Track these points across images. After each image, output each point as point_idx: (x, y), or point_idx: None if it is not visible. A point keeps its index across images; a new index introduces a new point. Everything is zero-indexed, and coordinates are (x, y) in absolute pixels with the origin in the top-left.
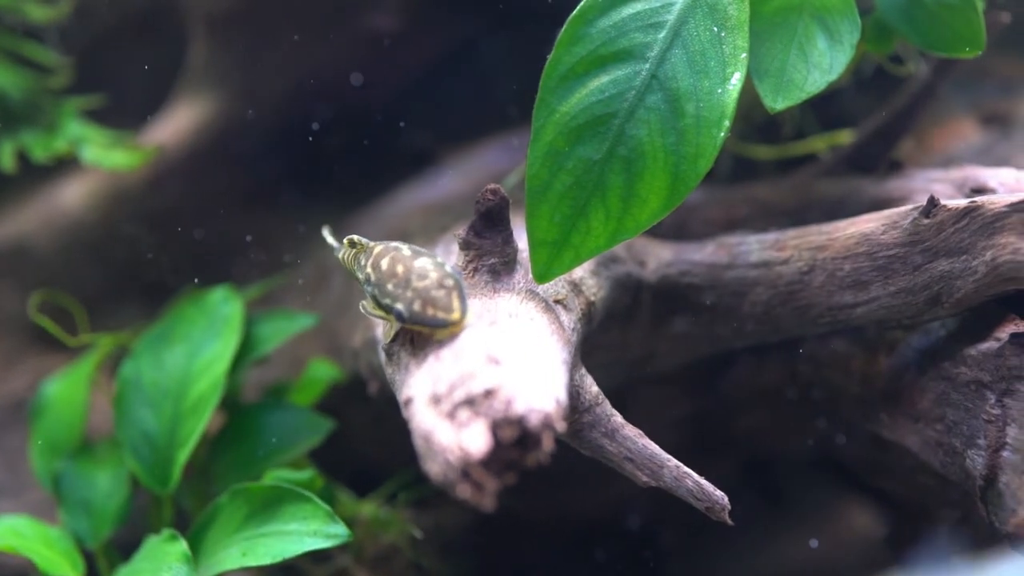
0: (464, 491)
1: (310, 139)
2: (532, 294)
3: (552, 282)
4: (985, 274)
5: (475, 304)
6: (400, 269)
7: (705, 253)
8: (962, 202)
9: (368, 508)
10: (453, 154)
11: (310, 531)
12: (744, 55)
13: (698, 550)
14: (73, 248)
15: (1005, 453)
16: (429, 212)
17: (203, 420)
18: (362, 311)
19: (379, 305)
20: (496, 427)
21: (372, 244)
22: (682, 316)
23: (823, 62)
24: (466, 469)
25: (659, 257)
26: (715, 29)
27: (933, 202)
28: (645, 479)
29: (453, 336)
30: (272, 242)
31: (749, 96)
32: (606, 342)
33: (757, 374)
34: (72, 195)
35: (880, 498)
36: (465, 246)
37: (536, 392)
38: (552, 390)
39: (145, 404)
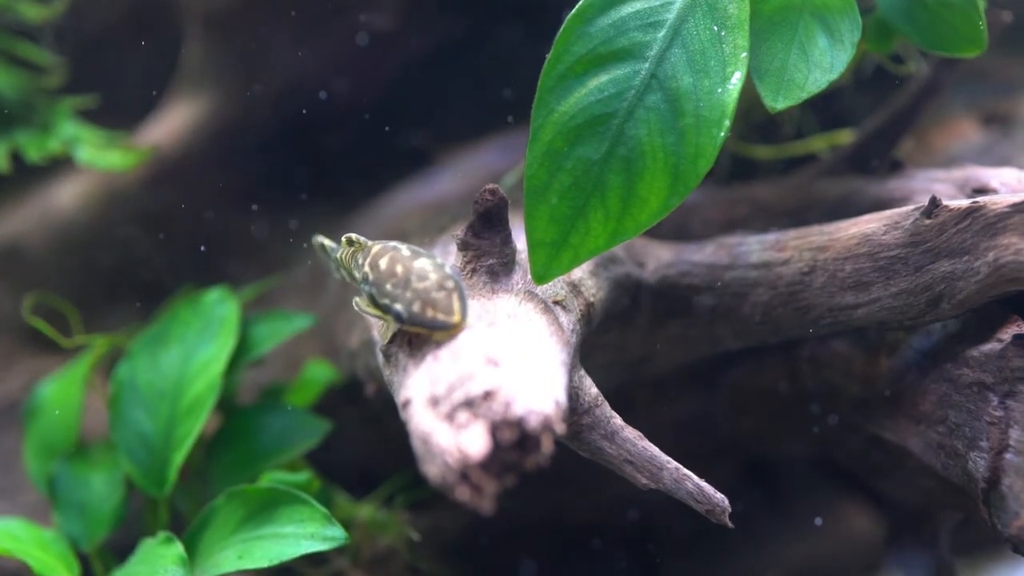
0: (463, 493)
1: (306, 139)
2: (531, 295)
3: (551, 283)
4: (987, 275)
5: (474, 305)
6: (399, 269)
7: (705, 254)
8: (964, 202)
9: (365, 510)
10: (451, 154)
11: (307, 534)
12: (744, 54)
13: (697, 552)
14: (68, 249)
15: (1008, 455)
16: (426, 212)
17: (199, 422)
18: (356, 308)
19: (376, 304)
20: (495, 429)
21: (370, 243)
22: (682, 317)
23: (824, 61)
24: (465, 471)
25: (658, 258)
26: (715, 28)
27: (935, 202)
28: (645, 481)
29: (452, 338)
30: (268, 242)
31: (749, 95)
32: (605, 343)
33: (757, 375)
34: (66, 196)
35: (880, 500)
36: (463, 247)
37: (535, 394)
38: (551, 392)
39: (140, 406)
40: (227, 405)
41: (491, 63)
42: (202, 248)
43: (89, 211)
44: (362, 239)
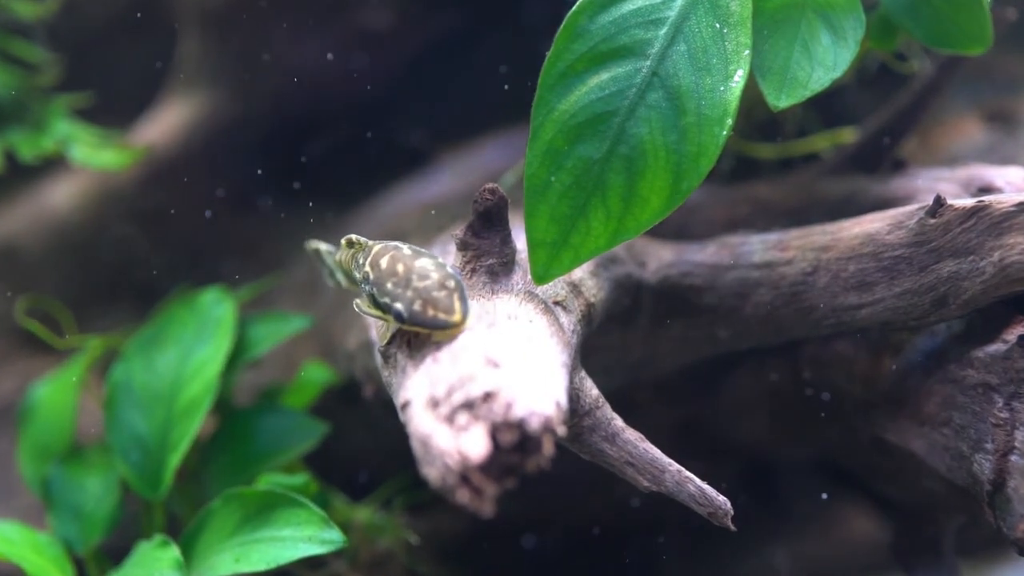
0: (463, 496)
1: (303, 137)
2: (531, 295)
3: (551, 283)
4: (993, 275)
5: (473, 306)
6: (400, 268)
7: (707, 254)
8: (969, 201)
9: (363, 513)
10: (449, 153)
11: (304, 537)
12: (747, 52)
13: (698, 555)
14: (62, 249)
15: (1013, 457)
16: (425, 212)
17: (195, 424)
18: (356, 309)
19: (376, 304)
20: (496, 431)
21: (371, 243)
22: (683, 318)
23: (827, 59)
24: (465, 474)
25: (660, 258)
26: (717, 25)
27: (939, 201)
28: (646, 484)
29: (451, 338)
30: (265, 242)
31: (750, 93)
32: (606, 344)
33: (759, 377)
34: (61, 195)
35: (884, 503)
36: (463, 246)
37: (536, 395)
38: (552, 393)
39: (136, 407)
40: (224, 407)
41: (490, 61)
42: (198, 248)
43: (84, 211)
44: (362, 239)
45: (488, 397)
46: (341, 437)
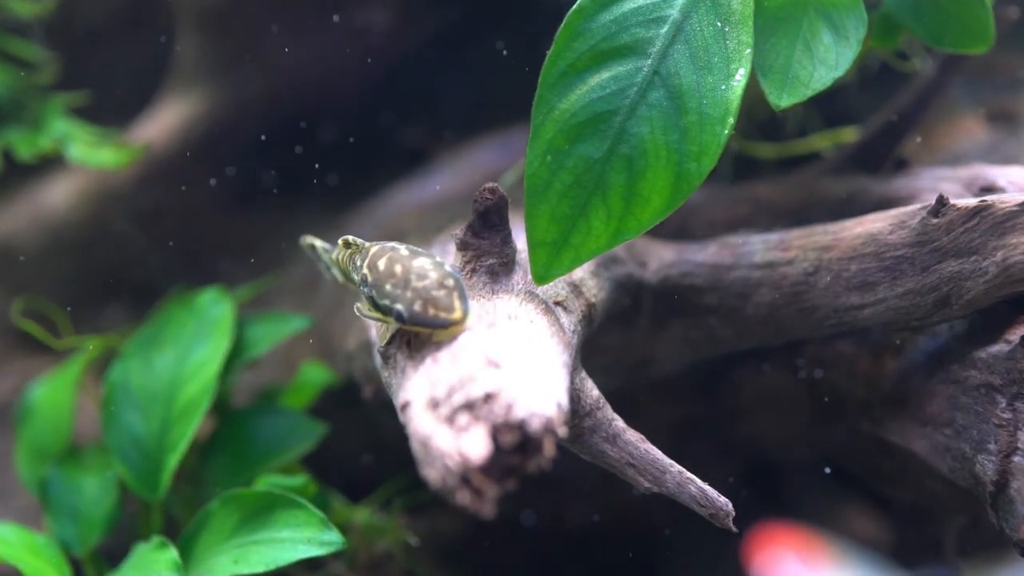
0: (464, 497)
1: (302, 137)
2: (531, 295)
3: (552, 283)
4: (996, 275)
5: (473, 306)
6: (399, 269)
7: (708, 254)
8: (972, 201)
9: (362, 514)
10: (449, 152)
11: (303, 538)
12: (748, 51)
13: (698, 556)
14: (60, 249)
15: (1016, 458)
16: (424, 211)
17: (193, 424)
18: (357, 314)
19: (376, 307)
20: (496, 432)
21: (368, 244)
22: (684, 318)
23: (829, 58)
24: (466, 475)
25: (660, 258)
26: (719, 24)
27: (942, 201)
28: (647, 485)
29: (452, 338)
30: (263, 242)
31: (751, 93)
32: (606, 344)
33: (760, 377)
34: (58, 195)
35: (885, 504)
36: (463, 246)
37: (537, 396)
38: (553, 394)
39: (134, 408)
40: (222, 408)
41: (490, 59)
42: (196, 247)
43: (81, 210)
44: (359, 240)
45: (489, 398)
46: (340, 438)
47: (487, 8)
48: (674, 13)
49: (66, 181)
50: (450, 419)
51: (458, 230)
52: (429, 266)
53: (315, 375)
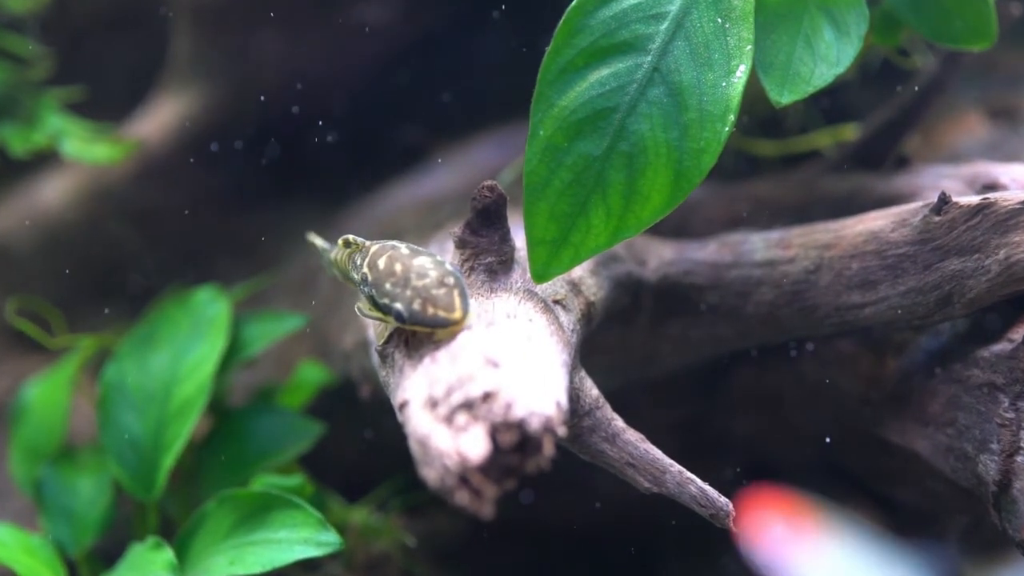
0: (462, 498)
1: (298, 134)
2: (530, 294)
3: (551, 282)
4: (998, 273)
5: (472, 304)
6: (398, 268)
7: (708, 252)
8: (974, 199)
9: (359, 515)
10: (447, 149)
11: (300, 539)
12: (749, 47)
13: (698, 556)
14: (54, 246)
15: (1019, 458)
16: (422, 209)
17: (189, 424)
18: (358, 313)
19: (376, 306)
20: (495, 431)
21: (368, 243)
22: (684, 317)
23: (830, 55)
24: (464, 475)
25: (660, 256)
26: (719, 20)
27: (944, 199)
28: (647, 485)
29: (451, 337)
30: (259, 240)
31: (752, 90)
32: (606, 343)
33: (761, 376)
34: (52, 192)
35: (887, 504)
36: (461, 244)
37: (536, 395)
38: (552, 393)
39: (129, 408)
40: (218, 407)
41: (488, 56)
42: (192, 246)
43: (76, 208)
44: (359, 240)
45: (487, 397)
46: (337, 438)
47: (485, 4)
48: (674, 9)
49: (61, 179)
50: (449, 418)
51: (456, 228)
52: (429, 265)
53: (312, 374)
